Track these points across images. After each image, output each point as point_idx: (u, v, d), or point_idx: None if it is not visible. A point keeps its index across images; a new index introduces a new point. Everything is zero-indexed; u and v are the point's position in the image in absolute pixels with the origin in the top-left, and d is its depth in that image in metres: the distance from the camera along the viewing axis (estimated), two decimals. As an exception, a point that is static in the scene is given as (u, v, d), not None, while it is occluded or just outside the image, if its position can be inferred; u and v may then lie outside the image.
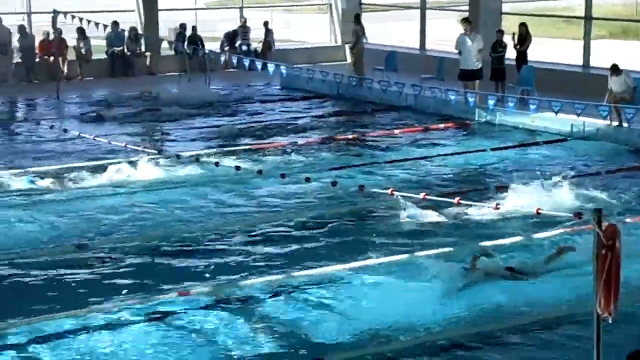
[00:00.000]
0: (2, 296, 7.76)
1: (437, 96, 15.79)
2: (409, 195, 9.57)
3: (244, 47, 23.16)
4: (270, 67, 16.86)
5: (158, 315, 7.26)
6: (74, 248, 8.91)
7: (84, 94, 19.45)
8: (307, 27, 29.43)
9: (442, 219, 9.64)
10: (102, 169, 12.04)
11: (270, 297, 7.64)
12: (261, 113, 17.38)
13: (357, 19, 20.34)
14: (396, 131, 15.15)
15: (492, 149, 13.57)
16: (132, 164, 12.10)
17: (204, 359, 6.56)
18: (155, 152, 12.92)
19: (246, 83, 20.68)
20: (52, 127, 15.20)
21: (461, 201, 8.99)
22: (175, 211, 10.26)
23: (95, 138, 13.95)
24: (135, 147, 13.16)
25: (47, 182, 11.39)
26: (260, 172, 11.45)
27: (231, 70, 20.98)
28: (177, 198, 10.81)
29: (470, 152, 13.39)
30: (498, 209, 9.39)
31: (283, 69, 17.23)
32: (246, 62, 17.55)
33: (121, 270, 8.36)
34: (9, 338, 6.81)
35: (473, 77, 16.69)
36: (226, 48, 22.81)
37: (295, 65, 19.40)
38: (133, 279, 8.11)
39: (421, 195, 9.14)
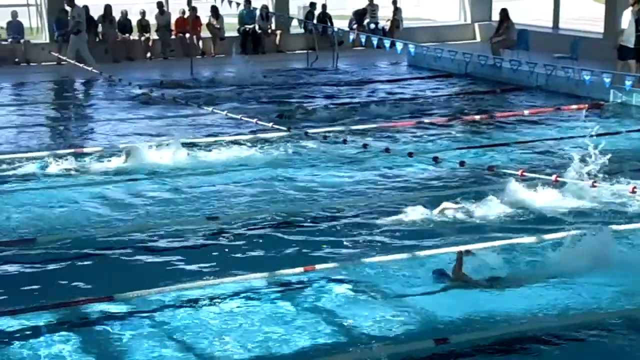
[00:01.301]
0: (146, 265, 8.07)
1: (570, 76, 15.36)
2: (540, 176, 9.39)
3: (372, 26, 23.18)
4: (399, 45, 16.81)
5: (284, 289, 7.41)
6: (205, 220, 9.16)
7: (216, 70, 19.96)
8: (436, 5, 29.11)
9: (576, 202, 9.39)
10: (233, 144, 12.38)
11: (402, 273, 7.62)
12: (388, 91, 17.40)
13: (506, 13, 19.79)
14: (526, 112, 14.84)
15: (628, 131, 13.11)
16: (259, 141, 12.38)
17: (329, 336, 6.63)
18: (285, 129, 13.15)
19: (373, 61, 20.71)
20: (187, 102, 15.67)
21: (596, 184, 8.75)
22: (303, 187, 10.42)
23: (227, 114, 14.34)
24: (265, 124, 13.44)
25: (183, 155, 11.76)
26: (387, 150, 11.48)
27: (359, 48, 21.05)
28: (306, 174, 10.97)
29: (603, 134, 12.98)
30: (635, 192, 9.09)
31: (411, 48, 17.14)
32: (374, 41, 17.57)
33: (250, 242, 8.55)
34: (151, 304, 7.10)
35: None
36: (354, 26, 22.90)
37: (422, 44, 19.29)
38: (261, 250, 8.31)
39: (553, 177, 8.96)
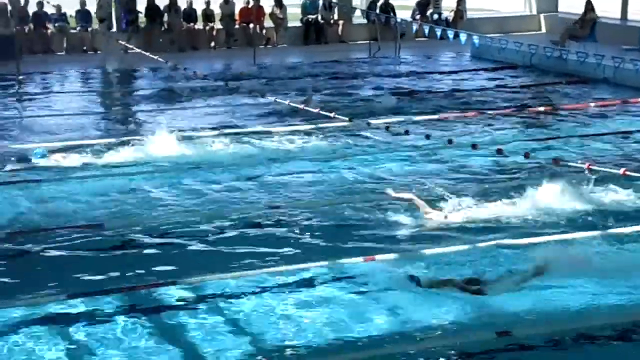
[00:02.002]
0: (208, 251, 8.19)
1: (639, 69, 15.03)
2: (607, 170, 9.25)
3: (435, 16, 23.02)
4: (462, 36, 16.65)
5: (343, 276, 7.43)
6: (266, 208, 9.24)
7: (278, 60, 20.07)
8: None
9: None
10: (295, 133, 12.47)
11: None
12: (451, 83, 17.29)
13: (591, 6, 19.45)
14: (592, 104, 14.61)
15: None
16: (321, 130, 12.43)
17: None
18: (346, 119, 13.17)
19: (436, 52, 20.58)
20: (250, 92, 15.81)
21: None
22: (363, 177, 10.44)
23: (290, 103, 14.42)
24: (326, 113, 13.47)
25: (245, 144, 11.90)
26: (450, 141, 11.43)
27: (422, 39, 20.93)
28: (366, 164, 10.99)
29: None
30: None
31: (475, 39, 16.97)
32: (438, 31, 17.45)
33: (311, 231, 8.60)
34: (214, 289, 7.21)
35: None
36: (417, 17, 22.77)
37: (487, 35, 19.08)
38: (321, 241, 8.36)
39: (621, 171, 8.83)
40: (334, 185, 10.18)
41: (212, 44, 21.85)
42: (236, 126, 13.28)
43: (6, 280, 7.33)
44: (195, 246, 8.22)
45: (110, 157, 11.28)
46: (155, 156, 11.31)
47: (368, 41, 21.23)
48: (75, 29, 21.27)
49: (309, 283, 7.33)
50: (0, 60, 18.63)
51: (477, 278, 7.18)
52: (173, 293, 7.07)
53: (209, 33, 21.85)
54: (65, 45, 20.92)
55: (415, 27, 18.74)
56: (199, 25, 21.92)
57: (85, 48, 21.07)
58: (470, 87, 16.81)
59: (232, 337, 6.38)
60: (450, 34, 16.99)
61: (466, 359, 6.16)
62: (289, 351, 6.21)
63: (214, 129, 12.91)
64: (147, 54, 18.84)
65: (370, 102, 15.09)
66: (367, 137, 12.40)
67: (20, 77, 17.88)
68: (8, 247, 8.11)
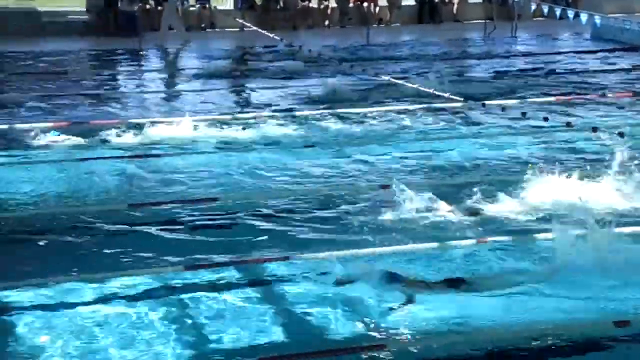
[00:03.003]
0: (319, 229, 8.23)
1: None
2: None
3: (555, -5, 22.40)
4: (583, 16, 16.16)
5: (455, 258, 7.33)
6: (378, 188, 9.19)
7: (391, 39, 19.98)
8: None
9: None
10: (407, 113, 12.42)
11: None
12: (570, 64, 16.82)
13: None
14: None
15: None
16: (433, 110, 12.35)
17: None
18: (460, 100, 13.01)
19: (555, 32, 20.03)
20: (364, 70, 15.80)
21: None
22: (477, 158, 10.30)
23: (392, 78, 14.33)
24: (440, 93, 13.34)
25: (354, 124, 11.92)
26: (569, 124, 11.15)
27: (540, 19, 20.42)
28: (480, 146, 10.84)
29: None
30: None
31: (597, 19, 16.43)
32: (557, 11, 16.97)
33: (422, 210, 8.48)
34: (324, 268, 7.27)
35: None
36: (536, -4, 22.22)
37: (609, 15, 18.44)
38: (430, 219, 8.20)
39: None
40: (444, 165, 10.04)
41: (326, 22, 21.94)
42: (351, 103, 13.27)
43: (129, 249, 7.57)
44: (303, 223, 8.26)
45: (229, 132, 11.49)
46: (270, 134, 11.47)
47: (483, 20, 20.85)
48: (194, 6, 21.76)
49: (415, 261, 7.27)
50: (124, 36, 19.30)
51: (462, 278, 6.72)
52: (284, 268, 7.15)
53: (323, 11, 21.94)
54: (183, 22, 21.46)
55: (533, 6, 18.30)
56: (314, 3, 22.04)
57: (203, 25, 21.52)
58: (589, 68, 16.30)
59: (342, 310, 6.37)
60: (571, 13, 16.51)
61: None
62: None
63: (326, 107, 12.98)
64: (263, 31, 19.14)
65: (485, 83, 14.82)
66: (481, 118, 12.21)
67: (142, 52, 18.47)
68: (131, 218, 8.37)
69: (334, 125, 11.81)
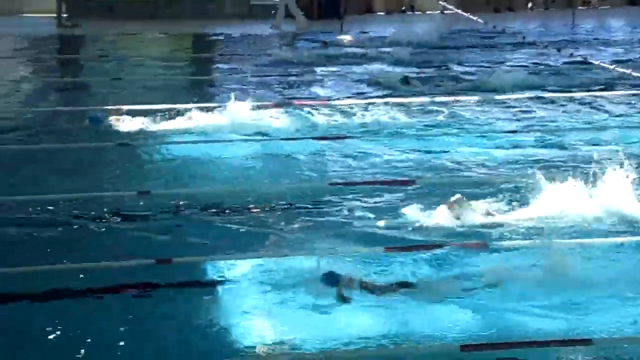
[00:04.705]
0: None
1: None
2: None
3: None
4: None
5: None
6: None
7: (598, 22, 19.27)
8: None
9: None
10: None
11: None
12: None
13: None
14: None
15: None
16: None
17: None
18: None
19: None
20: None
21: None
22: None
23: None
24: None
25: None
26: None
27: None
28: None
29: None
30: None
31: None
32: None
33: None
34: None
35: None
36: None
37: None
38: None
39: None
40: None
41: (529, 5, 21.46)
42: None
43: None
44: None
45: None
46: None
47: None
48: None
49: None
50: (327, 18, 19.93)
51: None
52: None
53: (526, -7, 21.50)
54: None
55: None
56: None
57: (404, 8, 21.72)
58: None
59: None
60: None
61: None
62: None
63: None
64: (465, 14, 19.05)
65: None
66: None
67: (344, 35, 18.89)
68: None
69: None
